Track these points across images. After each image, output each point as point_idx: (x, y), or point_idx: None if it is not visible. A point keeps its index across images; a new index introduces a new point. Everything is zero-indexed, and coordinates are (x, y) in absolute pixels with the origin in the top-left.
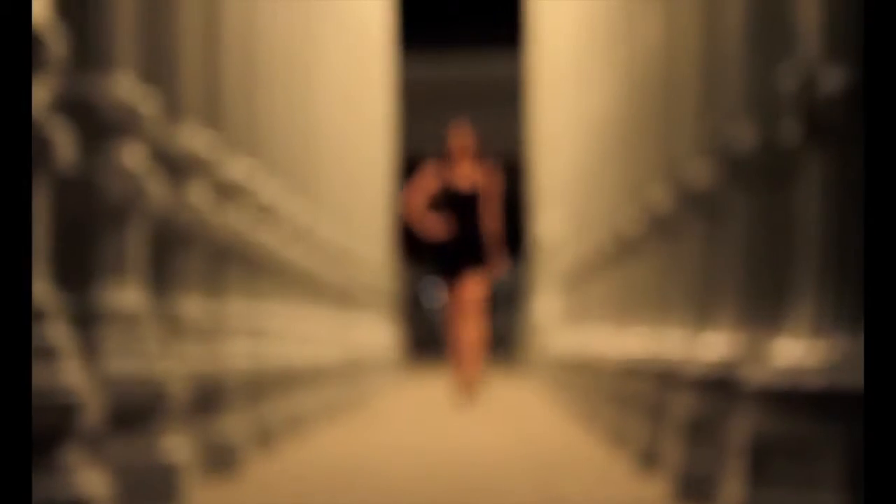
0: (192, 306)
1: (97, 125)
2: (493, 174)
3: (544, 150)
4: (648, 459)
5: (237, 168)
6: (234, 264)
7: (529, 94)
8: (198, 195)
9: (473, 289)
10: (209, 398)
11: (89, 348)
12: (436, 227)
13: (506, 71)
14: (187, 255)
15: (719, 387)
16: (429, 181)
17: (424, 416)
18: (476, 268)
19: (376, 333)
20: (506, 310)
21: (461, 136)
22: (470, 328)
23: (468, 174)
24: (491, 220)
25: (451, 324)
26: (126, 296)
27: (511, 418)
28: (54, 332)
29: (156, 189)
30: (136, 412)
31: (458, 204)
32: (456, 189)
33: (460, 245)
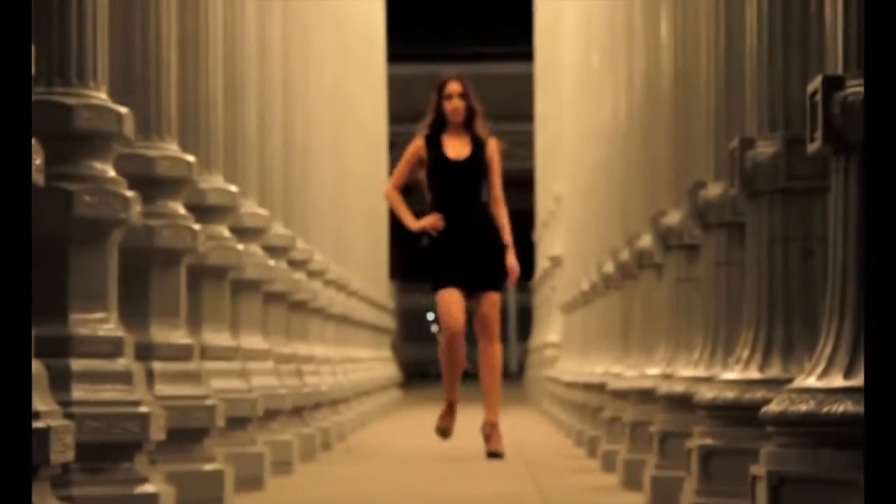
0: (171, 333)
1: (72, 141)
2: (495, 146)
3: (552, 165)
4: (663, 494)
5: (217, 188)
6: (216, 290)
7: (538, 106)
8: (177, 216)
9: (488, 300)
10: (193, 430)
11: (65, 377)
12: (419, 220)
13: (513, 81)
14: (166, 280)
15: (735, 415)
16: (409, 154)
17: (423, 451)
18: (480, 269)
19: (372, 359)
20: (515, 333)
21: (456, 94)
22: (484, 353)
23: (463, 143)
24: (496, 205)
25: (446, 346)
26: (105, 322)
27: (514, 451)
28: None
29: (133, 207)
30: (115, 445)
31: (450, 179)
32: (447, 159)
33: (455, 235)
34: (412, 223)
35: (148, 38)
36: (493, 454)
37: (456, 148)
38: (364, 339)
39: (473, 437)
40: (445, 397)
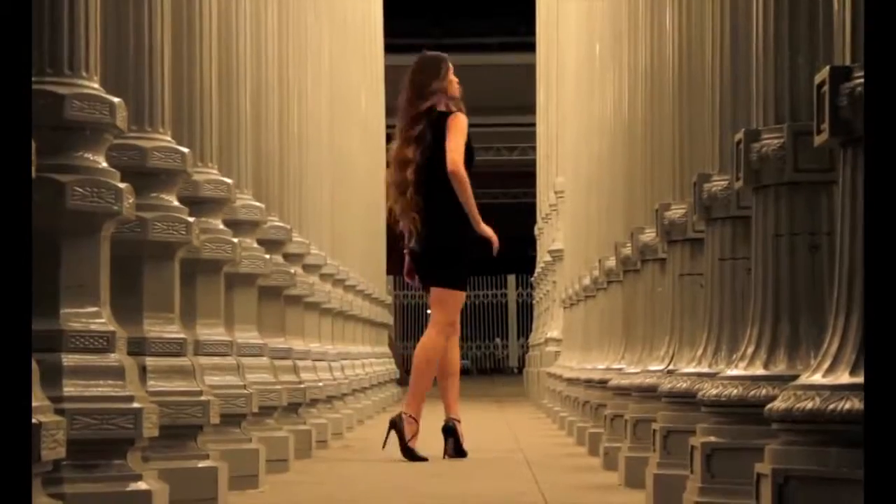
0: (164, 328)
1: (64, 131)
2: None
3: (554, 157)
4: (666, 492)
5: (212, 180)
6: (210, 284)
7: (539, 98)
8: (170, 208)
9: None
10: (187, 426)
11: (56, 372)
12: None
13: (514, 72)
14: (159, 274)
15: (739, 412)
16: (467, 131)
17: (422, 448)
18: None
19: (369, 355)
20: (515, 329)
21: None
22: (452, 350)
23: None
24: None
25: (439, 350)
26: (97, 316)
27: (514, 448)
28: None
29: (126, 199)
30: (107, 441)
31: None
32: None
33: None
34: (484, 227)
35: (141, 26)
36: (464, 453)
37: None
38: (361, 335)
39: (473, 434)
40: (414, 413)
